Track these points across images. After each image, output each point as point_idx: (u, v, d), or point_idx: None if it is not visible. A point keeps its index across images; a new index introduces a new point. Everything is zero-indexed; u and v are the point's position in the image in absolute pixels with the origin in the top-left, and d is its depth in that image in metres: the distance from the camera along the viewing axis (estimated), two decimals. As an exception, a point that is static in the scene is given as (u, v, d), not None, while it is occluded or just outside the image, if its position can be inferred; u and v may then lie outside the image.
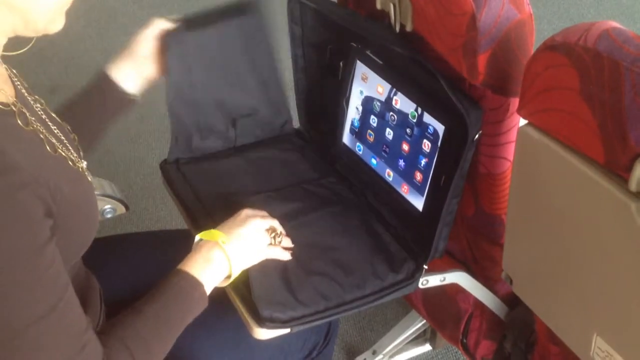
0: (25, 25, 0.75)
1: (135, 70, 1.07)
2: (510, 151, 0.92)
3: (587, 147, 0.73)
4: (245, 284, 0.97)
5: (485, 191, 0.98)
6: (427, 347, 1.68)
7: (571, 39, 0.72)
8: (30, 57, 0.89)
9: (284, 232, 1.02)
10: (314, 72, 1.24)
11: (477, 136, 0.89)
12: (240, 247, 0.94)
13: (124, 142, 2.29)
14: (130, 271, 1.15)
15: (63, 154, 0.82)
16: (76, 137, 0.94)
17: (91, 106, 1.07)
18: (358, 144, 1.17)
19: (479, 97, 0.91)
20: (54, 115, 0.91)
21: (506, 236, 0.93)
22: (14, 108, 0.76)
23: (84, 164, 0.90)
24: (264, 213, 1.02)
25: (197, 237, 0.95)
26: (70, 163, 0.83)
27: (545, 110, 0.78)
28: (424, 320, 1.62)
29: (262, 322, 0.92)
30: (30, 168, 0.70)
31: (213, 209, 1.11)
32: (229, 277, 0.93)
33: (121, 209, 1.25)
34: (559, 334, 0.91)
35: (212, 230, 0.95)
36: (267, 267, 0.99)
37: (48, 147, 0.79)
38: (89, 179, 0.90)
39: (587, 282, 0.81)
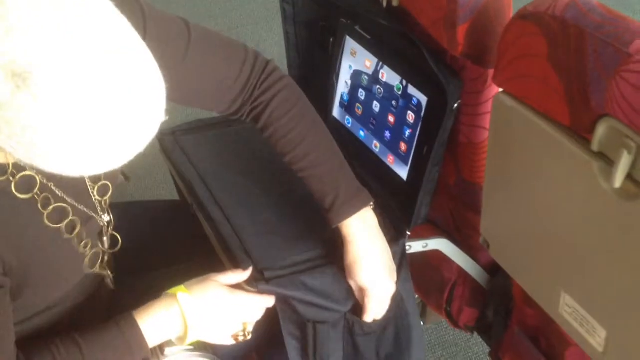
0: None
1: None
2: (488, 121, 0.96)
3: (554, 110, 0.78)
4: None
5: (465, 160, 1.02)
6: (417, 323, 1.72)
7: (541, 8, 0.76)
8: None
9: (250, 332, 0.98)
10: (306, 48, 1.28)
11: (455, 106, 0.93)
12: (203, 322, 0.91)
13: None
14: (136, 233, 1.19)
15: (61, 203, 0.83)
16: (109, 186, 0.94)
17: None
18: (347, 117, 1.21)
19: (460, 69, 0.95)
20: None
21: (483, 201, 0.98)
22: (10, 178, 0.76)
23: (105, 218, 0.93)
24: (242, 297, 0.95)
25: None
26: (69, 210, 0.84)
27: (517, 77, 0.82)
28: (415, 296, 1.67)
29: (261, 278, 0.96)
30: None
31: (210, 179, 1.16)
32: (182, 337, 0.91)
33: (121, 179, 1.31)
34: (530, 293, 0.95)
35: (182, 289, 0.92)
36: (259, 231, 1.04)
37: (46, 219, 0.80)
38: None
39: (555, 242, 0.86)
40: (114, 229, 1.00)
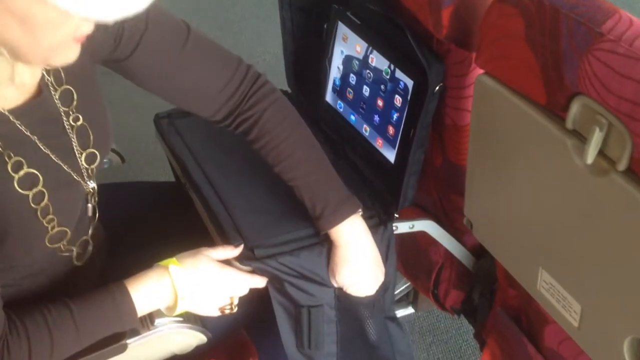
0: (16, 58, 0.72)
1: None
2: (472, 104, 0.99)
3: (531, 90, 0.80)
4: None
5: (451, 142, 1.05)
6: (409, 310, 1.75)
7: (520, -10, 0.79)
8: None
9: (236, 305, 1.01)
10: (301, 35, 1.31)
11: (437, 88, 0.95)
12: (193, 294, 0.94)
13: (128, 112, 2.38)
14: (129, 211, 1.22)
15: (33, 170, 0.82)
16: (96, 155, 0.93)
17: None
18: (339, 101, 1.24)
19: (445, 52, 0.98)
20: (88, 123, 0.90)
21: (466, 181, 1.00)
22: None
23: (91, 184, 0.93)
24: (231, 272, 0.98)
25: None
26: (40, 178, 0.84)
27: (497, 58, 0.84)
28: (408, 283, 1.69)
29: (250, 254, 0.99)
30: None
31: (203, 159, 1.18)
32: (172, 308, 0.94)
33: (117, 160, 1.34)
34: (511, 271, 0.98)
35: (173, 261, 0.94)
36: (250, 209, 1.07)
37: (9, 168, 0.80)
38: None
39: (533, 220, 0.88)
40: (107, 205, 1.03)
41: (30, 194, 0.82)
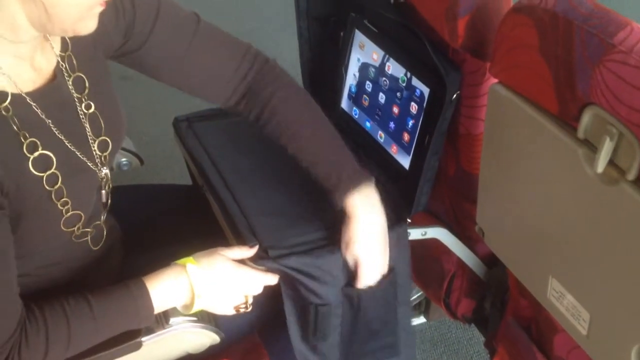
0: (49, 21, 0.76)
1: None
2: (487, 113, 1.00)
3: (544, 99, 0.81)
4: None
5: (465, 151, 1.06)
6: (421, 319, 1.75)
7: (534, 1, 0.80)
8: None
9: (251, 304, 1.02)
10: (318, 42, 1.33)
11: (454, 96, 0.97)
12: (209, 292, 0.95)
13: (148, 116, 2.41)
14: (147, 213, 1.25)
15: (47, 152, 0.84)
16: (108, 142, 0.94)
17: None
18: (354, 108, 1.26)
19: (460, 61, 0.99)
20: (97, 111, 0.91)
21: (479, 189, 1.01)
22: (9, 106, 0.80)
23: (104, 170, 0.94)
24: (246, 271, 1.00)
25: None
26: (54, 161, 0.85)
27: (511, 67, 0.86)
28: (420, 293, 1.70)
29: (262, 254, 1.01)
30: None
31: (220, 162, 1.21)
32: (188, 306, 0.96)
33: (136, 162, 1.36)
34: (521, 279, 0.98)
35: (190, 260, 0.96)
36: (265, 212, 1.09)
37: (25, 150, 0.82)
38: None
39: (544, 228, 0.89)
40: (125, 206, 1.05)
41: (44, 175, 0.84)
